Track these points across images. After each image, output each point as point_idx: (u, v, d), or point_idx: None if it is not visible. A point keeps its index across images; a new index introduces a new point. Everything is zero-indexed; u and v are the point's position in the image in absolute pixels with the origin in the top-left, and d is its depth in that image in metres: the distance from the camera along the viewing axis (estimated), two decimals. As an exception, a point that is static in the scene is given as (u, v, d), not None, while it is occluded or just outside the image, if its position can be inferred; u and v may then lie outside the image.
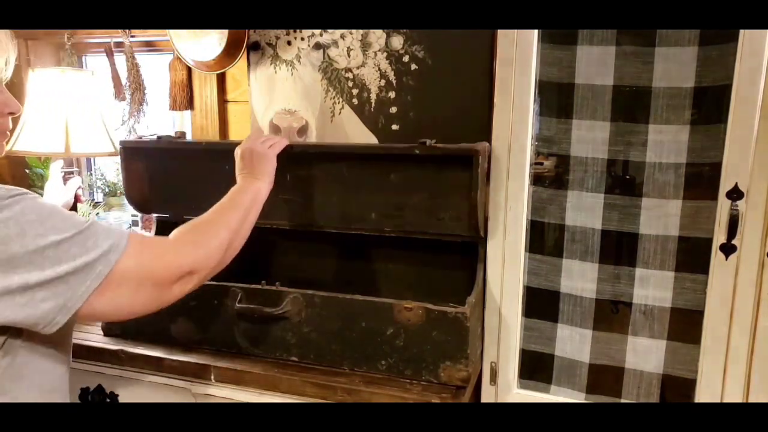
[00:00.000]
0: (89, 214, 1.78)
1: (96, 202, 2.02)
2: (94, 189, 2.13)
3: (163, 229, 1.55)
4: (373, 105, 1.60)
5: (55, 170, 1.42)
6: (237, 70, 1.72)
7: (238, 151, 1.19)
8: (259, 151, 1.17)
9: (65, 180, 1.46)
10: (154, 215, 1.56)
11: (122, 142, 1.47)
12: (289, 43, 1.65)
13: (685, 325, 1.21)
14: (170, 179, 1.51)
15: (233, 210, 1.04)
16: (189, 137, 1.86)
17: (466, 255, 1.31)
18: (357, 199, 1.37)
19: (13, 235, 0.72)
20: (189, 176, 1.50)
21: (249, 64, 1.70)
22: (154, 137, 1.46)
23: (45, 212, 0.76)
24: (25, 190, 0.78)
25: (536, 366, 1.33)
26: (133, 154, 1.48)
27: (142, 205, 1.53)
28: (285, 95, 1.68)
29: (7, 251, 0.71)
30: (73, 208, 1.45)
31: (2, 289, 0.71)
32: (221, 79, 1.77)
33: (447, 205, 1.28)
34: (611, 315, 1.28)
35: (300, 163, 1.39)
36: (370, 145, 1.54)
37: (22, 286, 0.72)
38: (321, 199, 1.39)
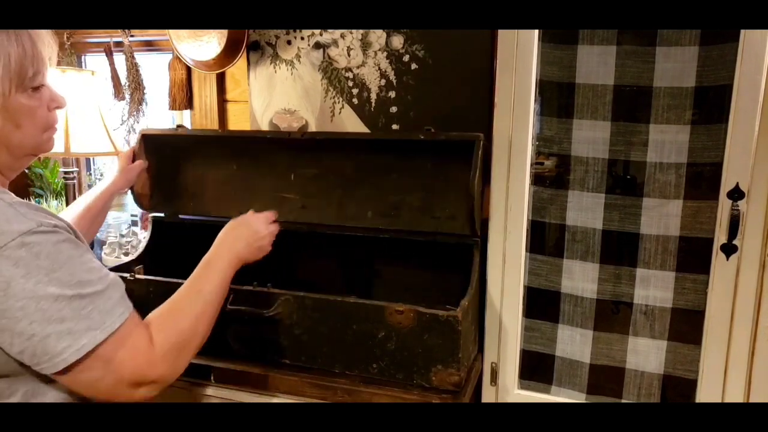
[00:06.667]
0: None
1: (96, 202, 2.02)
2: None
3: (159, 229, 1.55)
4: (373, 105, 1.60)
5: None
6: (237, 69, 1.72)
7: (240, 219, 1.10)
8: (262, 243, 1.09)
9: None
10: (150, 215, 1.56)
11: (143, 131, 1.52)
12: (289, 42, 1.65)
13: (685, 325, 1.21)
14: (177, 175, 1.55)
15: (211, 315, 0.96)
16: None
17: (465, 257, 1.31)
18: (355, 195, 1.38)
19: (17, 276, 0.72)
20: (195, 174, 1.54)
21: (249, 64, 1.69)
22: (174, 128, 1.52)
23: (60, 260, 0.75)
24: (56, 225, 0.77)
25: (537, 366, 1.33)
26: (150, 143, 1.51)
27: (145, 201, 1.53)
28: (285, 95, 1.67)
29: (7, 291, 0.71)
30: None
31: None
32: (221, 79, 1.76)
33: (444, 203, 1.29)
34: (612, 315, 1.27)
35: (301, 152, 1.43)
36: (372, 135, 1.56)
37: (8, 329, 0.73)
38: (319, 197, 1.41)
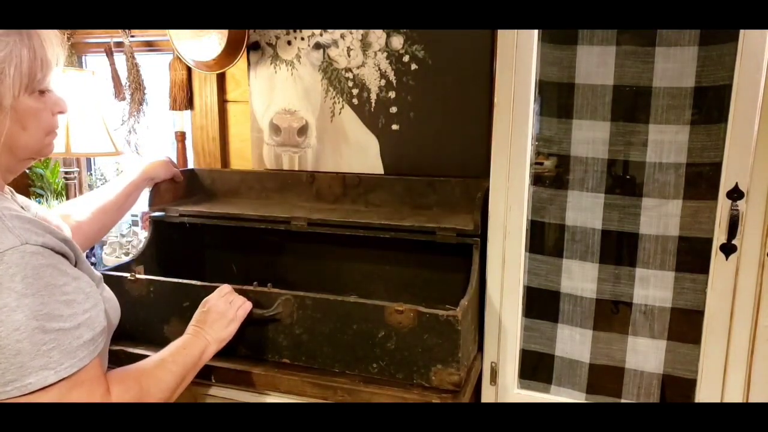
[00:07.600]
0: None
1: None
2: (94, 189, 2.14)
3: (159, 229, 1.55)
4: (373, 105, 1.60)
5: None
6: (237, 70, 1.72)
7: (204, 303, 1.14)
8: (226, 316, 1.12)
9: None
10: (151, 214, 1.56)
11: (195, 169, 1.70)
12: (289, 43, 1.65)
13: (685, 325, 1.21)
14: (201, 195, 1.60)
15: (174, 385, 0.97)
16: (189, 137, 1.86)
17: (465, 257, 1.31)
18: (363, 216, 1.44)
19: None
20: (216, 198, 1.62)
21: (249, 64, 1.70)
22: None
23: (35, 285, 0.73)
24: (44, 244, 0.75)
25: (536, 366, 1.33)
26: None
27: (158, 198, 1.55)
28: (285, 95, 1.68)
29: None
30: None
31: None
32: (221, 79, 1.77)
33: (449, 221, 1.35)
34: (611, 315, 1.27)
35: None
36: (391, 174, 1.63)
37: None
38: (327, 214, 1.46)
